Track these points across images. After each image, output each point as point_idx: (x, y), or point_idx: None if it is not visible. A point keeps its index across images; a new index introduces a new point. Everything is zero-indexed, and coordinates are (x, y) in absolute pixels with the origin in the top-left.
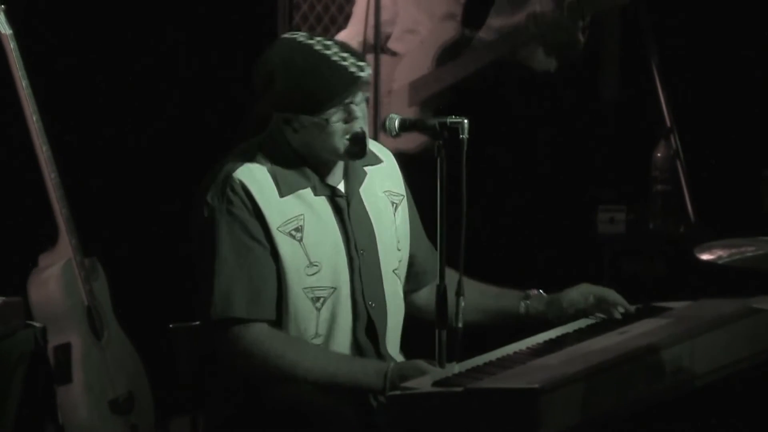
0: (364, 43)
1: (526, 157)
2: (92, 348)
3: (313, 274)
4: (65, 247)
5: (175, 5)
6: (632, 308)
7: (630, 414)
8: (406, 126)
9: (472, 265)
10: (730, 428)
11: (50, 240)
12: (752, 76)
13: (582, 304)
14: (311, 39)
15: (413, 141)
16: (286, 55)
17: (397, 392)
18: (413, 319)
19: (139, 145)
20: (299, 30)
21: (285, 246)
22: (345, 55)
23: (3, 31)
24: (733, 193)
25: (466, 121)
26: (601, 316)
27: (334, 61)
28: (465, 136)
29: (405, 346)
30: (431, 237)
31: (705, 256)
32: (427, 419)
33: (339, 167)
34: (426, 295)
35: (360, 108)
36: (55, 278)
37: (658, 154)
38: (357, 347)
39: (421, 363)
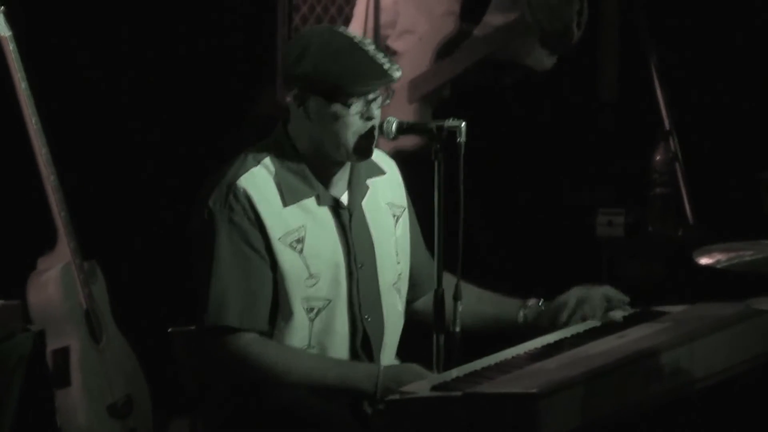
0: None
1: (525, 159)
2: (91, 351)
3: (312, 286)
4: (64, 250)
5: (175, 8)
6: (626, 298)
7: (629, 418)
8: (403, 129)
9: (470, 269)
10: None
11: (49, 243)
12: (752, 77)
13: (572, 305)
14: (350, 33)
15: (411, 140)
16: (324, 37)
17: (396, 397)
18: (410, 323)
19: (138, 147)
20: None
21: (285, 257)
22: (381, 54)
23: (2, 33)
24: (733, 196)
25: (463, 124)
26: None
27: (369, 54)
28: (462, 139)
29: (402, 351)
30: (429, 240)
31: (704, 260)
32: (425, 424)
33: (343, 178)
34: (424, 299)
35: (378, 111)
36: (54, 281)
37: (657, 157)
38: (352, 360)
39: (413, 366)
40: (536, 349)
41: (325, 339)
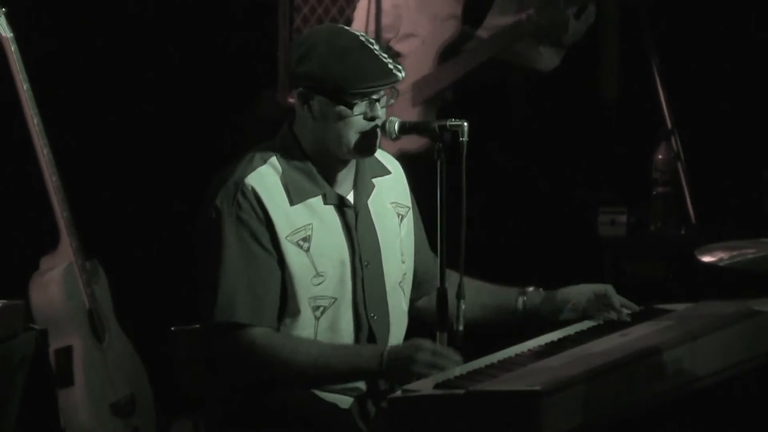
0: None
1: (527, 159)
2: (93, 351)
3: (318, 284)
4: (66, 249)
5: (175, 9)
6: (630, 303)
7: (631, 416)
8: (405, 129)
9: (472, 267)
10: (732, 430)
11: (51, 243)
12: (754, 76)
13: (576, 299)
14: (356, 31)
15: (415, 141)
16: (331, 35)
17: (399, 394)
18: (414, 321)
19: (140, 147)
20: (299, 32)
21: (292, 255)
22: (386, 54)
23: (4, 34)
24: (734, 194)
25: (465, 123)
26: (607, 316)
27: (376, 54)
28: (465, 138)
29: None
30: (432, 238)
31: (706, 258)
32: (428, 422)
33: (349, 177)
34: (426, 298)
35: (382, 111)
36: (57, 281)
37: (659, 156)
38: None
39: (417, 340)
40: (539, 347)
41: (330, 337)
